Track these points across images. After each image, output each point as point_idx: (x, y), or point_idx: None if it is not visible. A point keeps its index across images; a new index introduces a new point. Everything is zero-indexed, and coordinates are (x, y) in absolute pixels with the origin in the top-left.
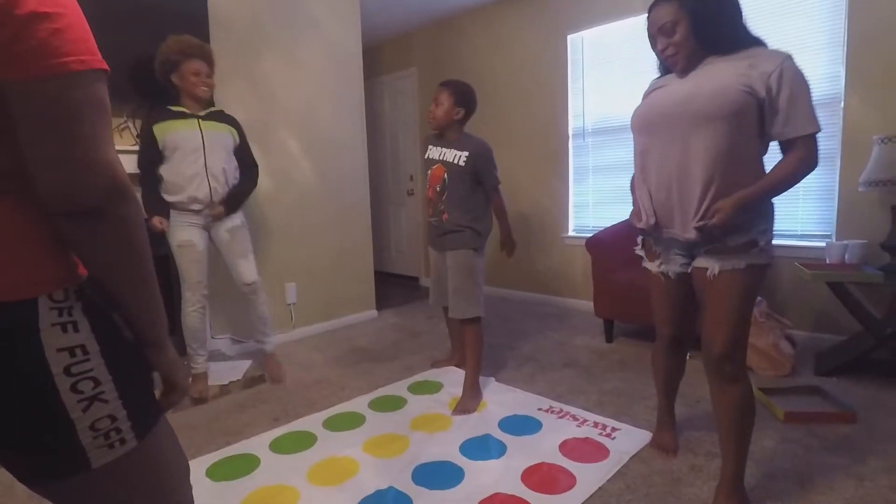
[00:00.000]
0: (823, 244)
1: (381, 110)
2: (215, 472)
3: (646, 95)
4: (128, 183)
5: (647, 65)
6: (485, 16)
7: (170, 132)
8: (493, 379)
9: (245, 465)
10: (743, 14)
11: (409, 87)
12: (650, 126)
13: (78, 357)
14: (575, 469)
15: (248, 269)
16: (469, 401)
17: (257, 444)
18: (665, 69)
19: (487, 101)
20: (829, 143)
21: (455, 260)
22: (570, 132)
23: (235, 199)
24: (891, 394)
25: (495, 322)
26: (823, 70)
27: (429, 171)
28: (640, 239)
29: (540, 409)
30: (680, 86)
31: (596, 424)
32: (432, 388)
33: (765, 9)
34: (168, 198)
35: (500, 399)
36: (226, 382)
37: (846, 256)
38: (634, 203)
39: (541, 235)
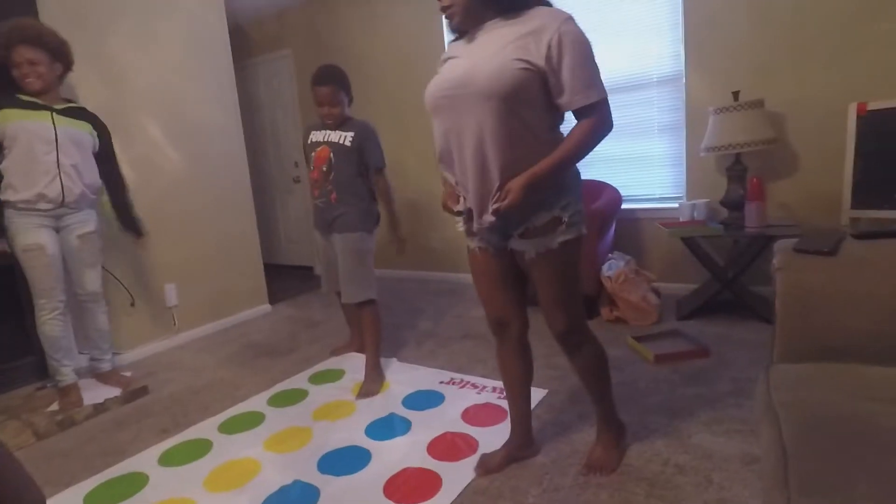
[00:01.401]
0: (677, 205)
1: (256, 94)
2: (95, 499)
3: (440, 65)
4: None
5: None
6: None
7: (13, 122)
8: (394, 359)
9: (131, 484)
10: None
11: (285, 69)
12: (438, 109)
13: None
14: (477, 434)
15: (92, 279)
16: (371, 383)
17: (144, 461)
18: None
19: (368, 81)
20: (674, 115)
21: (344, 244)
22: None
23: (129, 211)
24: (735, 329)
25: (393, 302)
26: (667, 49)
27: (313, 154)
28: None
29: (441, 382)
30: (462, 61)
31: (494, 389)
32: (334, 376)
33: None
34: (11, 196)
35: (403, 378)
36: (101, 400)
37: (695, 214)
38: (444, 185)
39: (431, 214)
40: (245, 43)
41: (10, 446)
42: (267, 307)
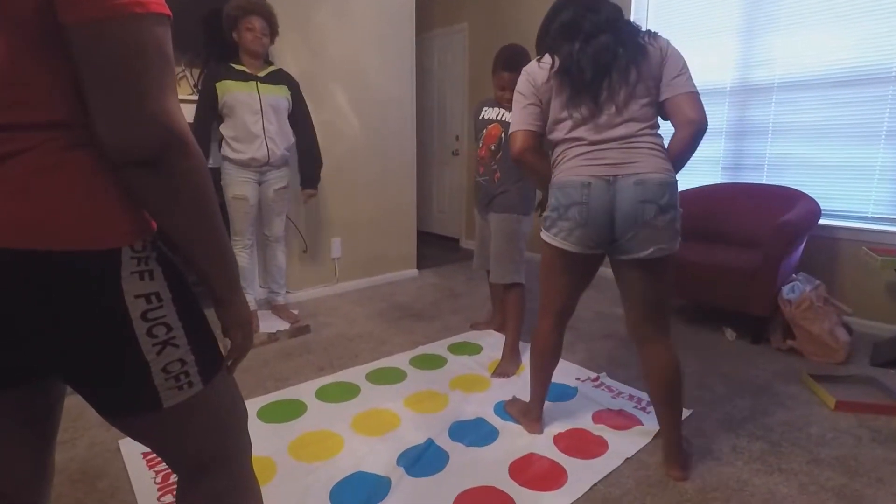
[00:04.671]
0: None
1: (429, 67)
2: (266, 414)
3: None
4: (189, 136)
5: (719, 23)
6: None
7: (231, 92)
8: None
9: (293, 409)
10: None
11: (459, 44)
12: None
13: (153, 304)
14: (608, 436)
15: (278, 225)
16: (508, 365)
17: (304, 391)
18: None
19: None
20: None
21: (498, 224)
22: None
23: (313, 167)
24: None
25: (536, 288)
26: None
27: (484, 130)
28: None
29: (577, 379)
30: None
31: (631, 397)
32: (472, 349)
33: None
34: (230, 154)
35: None
36: (274, 331)
37: None
38: None
39: None
40: (424, 14)
41: None
42: (414, 272)
